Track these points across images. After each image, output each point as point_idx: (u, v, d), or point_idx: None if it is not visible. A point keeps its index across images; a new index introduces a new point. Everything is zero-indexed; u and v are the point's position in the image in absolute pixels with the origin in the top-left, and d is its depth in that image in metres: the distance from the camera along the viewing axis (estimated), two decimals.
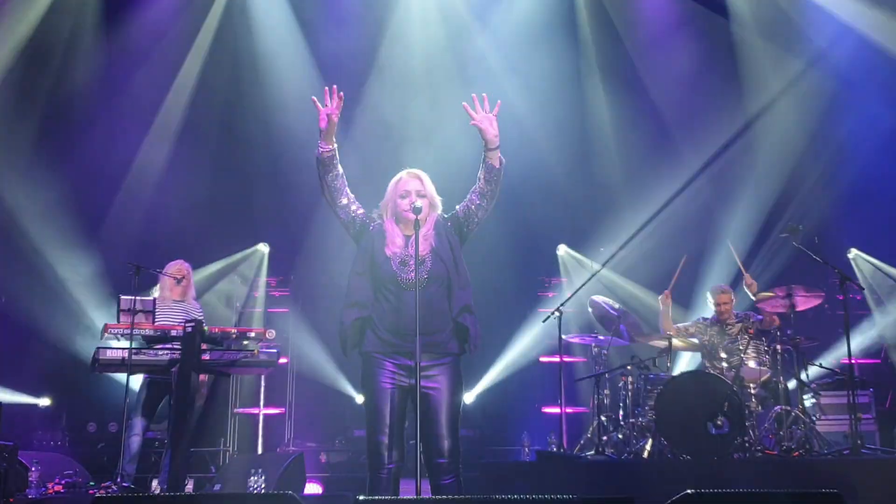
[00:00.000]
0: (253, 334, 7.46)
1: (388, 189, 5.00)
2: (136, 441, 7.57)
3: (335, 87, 4.86)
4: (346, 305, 4.84)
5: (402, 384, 4.72)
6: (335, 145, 4.91)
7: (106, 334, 7.17)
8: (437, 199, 5.00)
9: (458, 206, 5.04)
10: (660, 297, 8.95)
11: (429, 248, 4.86)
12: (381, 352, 4.77)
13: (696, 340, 8.86)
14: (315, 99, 4.85)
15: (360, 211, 5.01)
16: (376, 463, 4.70)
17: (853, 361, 8.09)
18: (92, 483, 7.14)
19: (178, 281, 7.95)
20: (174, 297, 7.95)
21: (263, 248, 11.36)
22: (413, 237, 4.78)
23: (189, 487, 7.33)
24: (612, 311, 9.07)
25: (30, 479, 6.72)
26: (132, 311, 7.19)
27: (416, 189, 4.93)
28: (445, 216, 5.04)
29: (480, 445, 10.29)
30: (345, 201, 4.96)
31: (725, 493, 3.30)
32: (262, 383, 10.36)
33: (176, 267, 8.09)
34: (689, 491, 3.20)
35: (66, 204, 10.11)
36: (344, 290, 4.88)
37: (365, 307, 4.79)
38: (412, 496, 4.52)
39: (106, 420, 9.97)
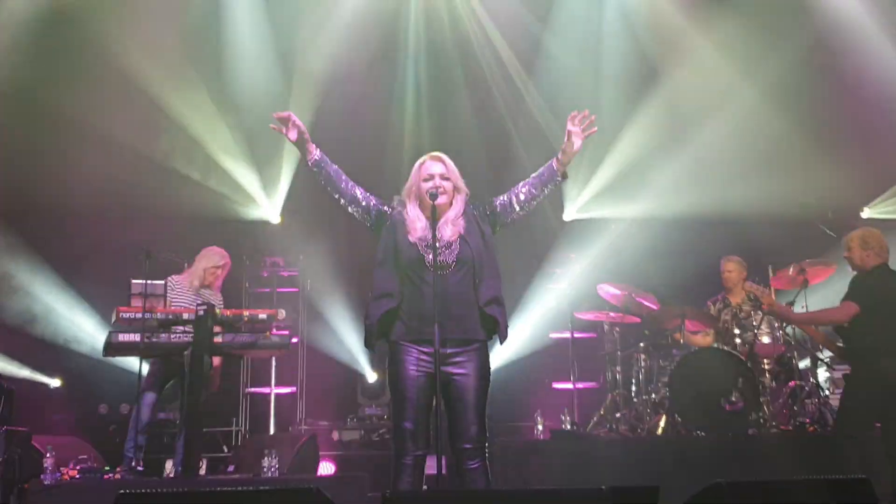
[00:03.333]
0: (264, 316, 7.47)
1: (412, 173, 4.97)
2: (146, 413, 7.57)
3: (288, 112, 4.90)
4: (374, 298, 4.81)
5: (428, 371, 4.68)
6: (316, 153, 4.91)
7: (117, 318, 7.20)
8: (462, 182, 4.95)
9: (496, 199, 5.00)
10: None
11: (457, 233, 4.82)
12: (407, 339, 4.74)
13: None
14: (274, 126, 4.91)
15: (374, 202, 4.97)
16: (402, 450, 4.71)
17: None
18: (107, 468, 7.13)
19: (189, 265, 7.92)
20: (199, 284, 7.88)
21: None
22: (438, 223, 4.78)
23: (203, 469, 7.33)
24: (618, 295, 9.04)
25: (44, 464, 6.69)
26: (143, 295, 7.19)
27: (440, 172, 4.89)
28: (477, 203, 5.00)
29: (493, 422, 10.26)
30: (344, 201, 4.95)
31: (752, 482, 3.29)
32: (274, 363, 10.35)
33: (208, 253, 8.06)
34: (718, 480, 3.19)
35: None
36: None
37: (393, 297, 4.75)
38: (433, 473, 4.57)
39: (117, 401, 9.96)
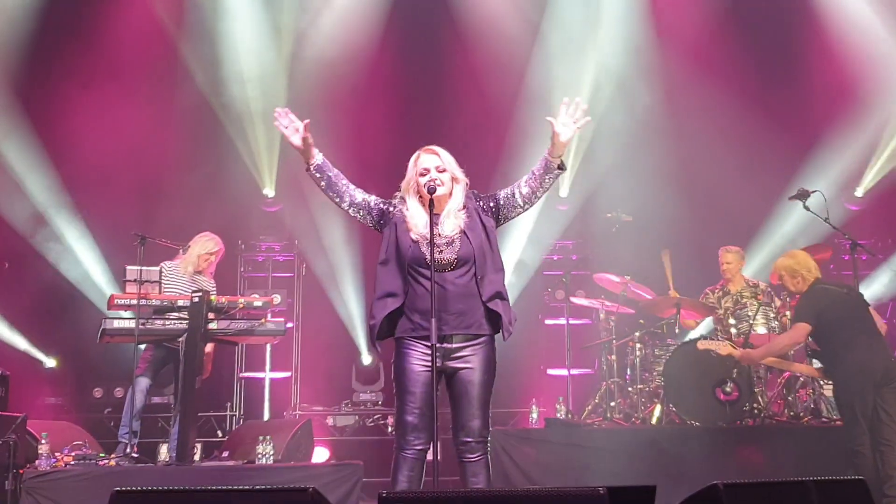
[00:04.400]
0: (260, 303, 7.46)
1: (408, 168, 4.90)
2: (140, 398, 7.60)
3: (286, 109, 4.85)
4: (379, 297, 4.77)
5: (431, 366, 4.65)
6: (318, 158, 4.86)
7: (112, 304, 7.20)
8: (459, 172, 4.88)
9: (500, 192, 4.93)
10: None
11: (458, 228, 4.77)
12: (412, 336, 4.72)
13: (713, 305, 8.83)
14: (280, 128, 4.83)
15: (373, 202, 4.90)
16: (404, 442, 4.69)
17: None
18: (102, 454, 7.12)
19: (185, 251, 7.90)
20: (192, 270, 7.87)
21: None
22: (440, 216, 4.75)
23: (197, 454, 7.33)
24: (617, 284, 9.04)
25: (39, 450, 6.69)
26: (139, 282, 7.18)
27: (435, 165, 4.83)
28: (480, 195, 4.95)
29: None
30: (345, 205, 4.90)
31: (748, 483, 3.30)
32: (269, 348, 10.35)
33: (202, 238, 8.04)
34: (714, 482, 3.19)
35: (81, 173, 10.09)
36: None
37: (397, 296, 4.73)
38: (430, 459, 4.59)
39: (112, 385, 9.96)
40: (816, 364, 7.29)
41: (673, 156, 10.37)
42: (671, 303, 8.67)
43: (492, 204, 4.92)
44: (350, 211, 4.92)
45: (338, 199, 4.90)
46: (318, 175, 4.87)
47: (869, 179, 10.85)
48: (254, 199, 10.94)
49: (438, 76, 10.82)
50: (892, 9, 10.37)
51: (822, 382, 8.23)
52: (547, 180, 4.86)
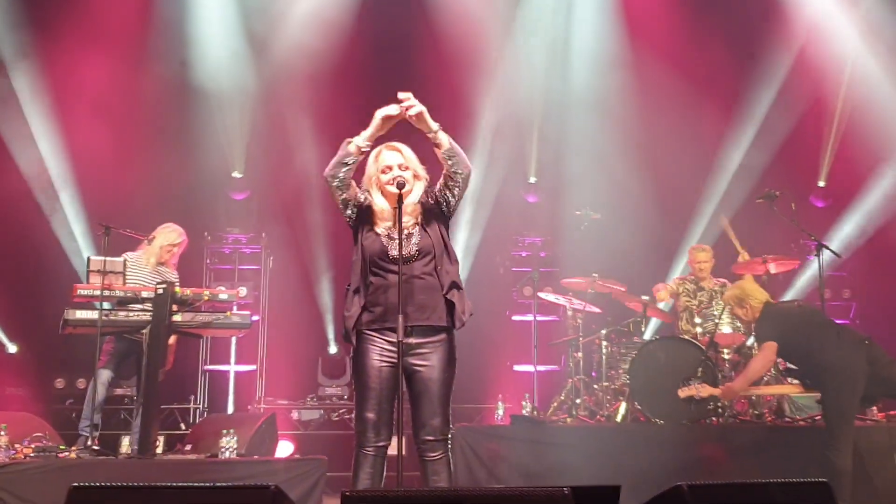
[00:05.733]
0: (225, 296, 7.40)
1: (368, 164, 4.86)
2: (102, 391, 7.55)
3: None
4: (351, 291, 4.76)
5: (392, 361, 4.63)
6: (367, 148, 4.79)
7: (75, 296, 7.11)
8: (422, 169, 4.87)
9: (436, 186, 4.88)
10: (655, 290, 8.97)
11: (415, 221, 4.78)
12: (374, 329, 4.69)
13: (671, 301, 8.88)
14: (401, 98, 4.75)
15: (361, 197, 4.86)
16: (363, 440, 4.67)
17: None
18: (62, 447, 7.02)
19: (150, 242, 7.81)
20: (155, 262, 7.78)
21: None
22: (399, 210, 4.68)
23: (159, 446, 7.26)
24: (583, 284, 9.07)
25: None
26: (102, 273, 7.09)
27: (398, 162, 4.81)
28: (428, 190, 4.92)
29: (453, 404, 10.24)
30: (350, 193, 4.80)
31: (712, 484, 3.29)
32: (234, 341, 10.28)
33: (165, 230, 7.94)
34: (679, 483, 3.18)
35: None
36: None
37: (361, 290, 4.71)
38: (394, 453, 4.56)
39: (74, 376, 9.83)
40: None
41: (642, 153, 10.42)
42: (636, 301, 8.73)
43: (431, 200, 4.89)
44: (345, 202, 4.81)
45: (344, 187, 4.76)
46: (360, 157, 4.75)
47: (825, 163, 11.01)
48: (222, 186, 10.85)
49: (410, 66, 10.76)
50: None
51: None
52: (443, 157, 4.78)
